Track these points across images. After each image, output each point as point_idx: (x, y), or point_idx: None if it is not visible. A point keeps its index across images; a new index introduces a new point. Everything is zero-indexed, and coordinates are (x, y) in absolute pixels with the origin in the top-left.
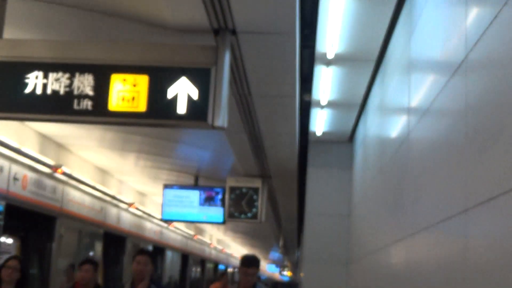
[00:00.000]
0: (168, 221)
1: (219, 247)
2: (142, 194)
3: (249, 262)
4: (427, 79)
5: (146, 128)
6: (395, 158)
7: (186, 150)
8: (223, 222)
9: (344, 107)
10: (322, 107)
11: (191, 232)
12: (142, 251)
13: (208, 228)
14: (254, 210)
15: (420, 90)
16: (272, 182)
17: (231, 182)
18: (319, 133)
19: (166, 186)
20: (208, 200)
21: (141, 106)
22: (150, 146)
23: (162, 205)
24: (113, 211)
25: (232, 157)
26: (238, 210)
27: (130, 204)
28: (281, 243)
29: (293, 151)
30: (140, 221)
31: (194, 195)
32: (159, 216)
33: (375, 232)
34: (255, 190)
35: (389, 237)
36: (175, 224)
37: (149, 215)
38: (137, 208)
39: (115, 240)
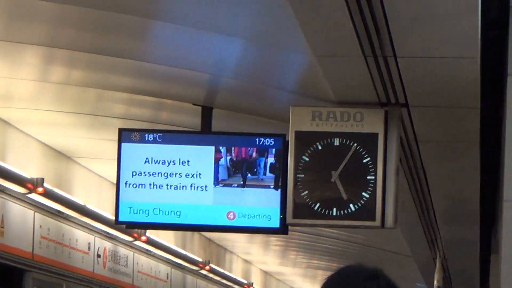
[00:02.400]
0: (132, 228)
1: None
2: (60, 159)
3: (345, 284)
4: None
5: None
6: None
7: (182, 39)
8: (282, 229)
9: None
10: None
11: (195, 257)
12: None
13: (240, 244)
14: (365, 194)
15: None
16: (413, 119)
17: (300, 121)
18: None
19: (124, 135)
20: (238, 170)
21: None
22: (84, 32)
23: (117, 187)
24: None
25: (302, 54)
26: (322, 195)
27: (31, 186)
28: (436, 279)
29: (468, 31)
30: (58, 227)
31: (200, 158)
32: (110, 216)
33: None
34: (368, 140)
35: None
36: (152, 235)
37: (82, 211)
38: (47, 196)
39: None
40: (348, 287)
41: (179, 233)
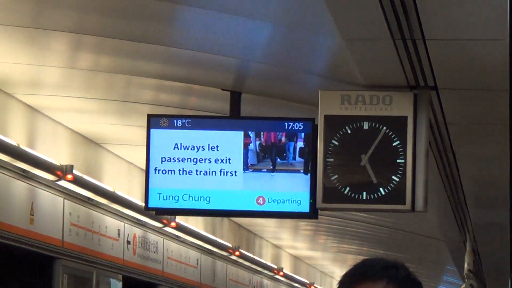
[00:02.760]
0: (161, 214)
1: (300, 278)
2: (89, 145)
3: (364, 272)
4: None
5: None
6: None
7: (210, 23)
8: (312, 214)
9: None
10: None
11: (225, 243)
12: None
13: (270, 229)
14: (395, 178)
15: None
16: (442, 102)
17: (329, 105)
18: None
19: (153, 121)
20: (267, 155)
21: None
22: (111, 18)
23: (147, 173)
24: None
25: (331, 37)
26: (352, 179)
27: (60, 173)
28: (467, 262)
29: (497, 13)
30: (87, 214)
31: (229, 143)
32: (139, 202)
33: None
34: (397, 124)
35: None
36: (182, 221)
37: (112, 198)
38: (76, 183)
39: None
40: (367, 273)
41: (209, 218)
